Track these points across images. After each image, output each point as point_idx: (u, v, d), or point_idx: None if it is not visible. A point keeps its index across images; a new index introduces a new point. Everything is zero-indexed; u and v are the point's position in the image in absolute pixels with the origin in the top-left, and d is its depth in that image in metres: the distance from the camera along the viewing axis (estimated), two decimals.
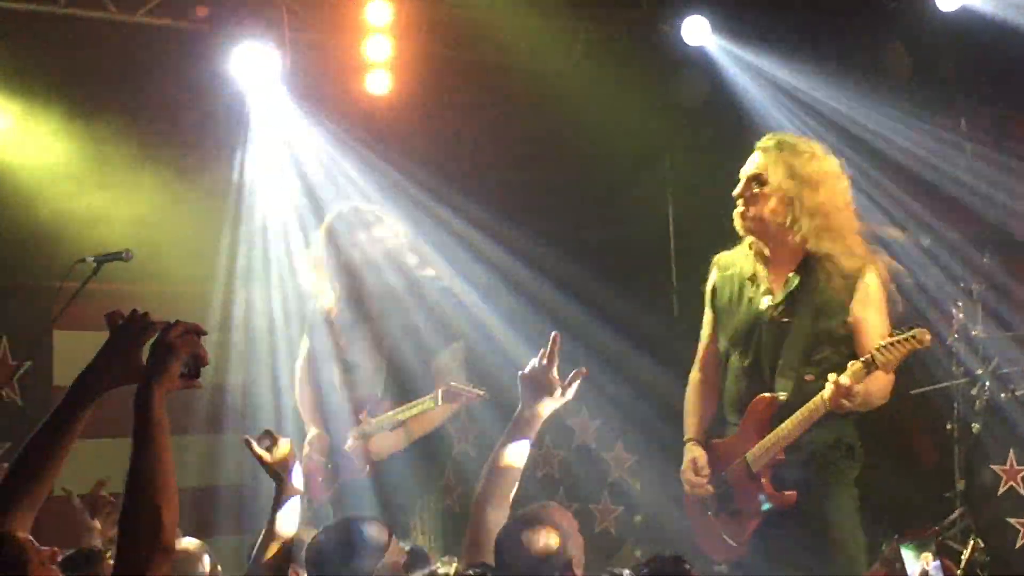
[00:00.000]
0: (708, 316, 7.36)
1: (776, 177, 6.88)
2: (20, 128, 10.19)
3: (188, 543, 6.22)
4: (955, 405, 9.65)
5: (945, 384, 9.73)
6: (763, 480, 6.90)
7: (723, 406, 7.22)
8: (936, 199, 10.20)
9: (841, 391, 6.52)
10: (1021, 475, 9.29)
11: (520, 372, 5.77)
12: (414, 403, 8.15)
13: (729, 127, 10.31)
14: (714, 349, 7.32)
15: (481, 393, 8.17)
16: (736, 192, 7.00)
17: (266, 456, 5.56)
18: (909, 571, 4.67)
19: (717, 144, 9.89)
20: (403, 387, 8.25)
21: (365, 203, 8.82)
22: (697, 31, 10.77)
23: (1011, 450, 9.33)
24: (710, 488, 7.10)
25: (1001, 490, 9.35)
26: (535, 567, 5.36)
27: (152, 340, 4.16)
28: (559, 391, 5.72)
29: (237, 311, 10.62)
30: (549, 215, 11.51)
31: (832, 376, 6.55)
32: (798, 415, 6.78)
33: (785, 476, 6.91)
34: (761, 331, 7.04)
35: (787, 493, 6.87)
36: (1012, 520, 9.25)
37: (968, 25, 9.93)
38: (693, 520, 7.33)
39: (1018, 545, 9.20)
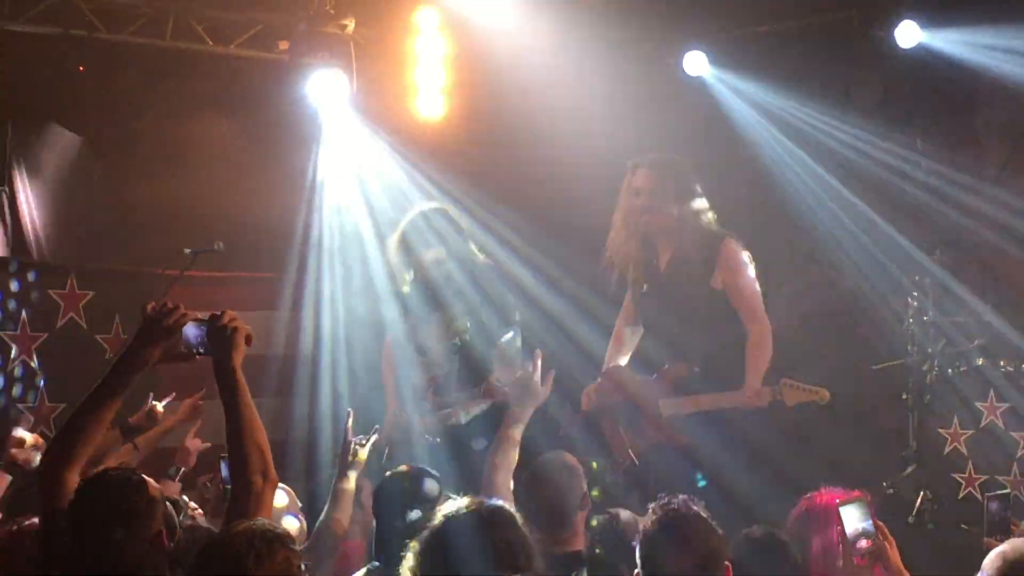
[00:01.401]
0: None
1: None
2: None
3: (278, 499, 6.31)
4: (910, 378, 9.76)
5: (902, 360, 9.87)
6: (663, 424, 7.34)
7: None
8: (896, 206, 10.32)
9: (762, 399, 7.04)
10: (963, 437, 9.56)
11: (510, 380, 6.07)
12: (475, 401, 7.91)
13: (723, 146, 10.54)
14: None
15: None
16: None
17: (357, 454, 5.96)
18: (848, 530, 4.83)
19: (715, 160, 9.81)
20: (470, 368, 7.99)
21: (434, 202, 8.51)
22: (697, 63, 10.90)
23: (955, 416, 9.61)
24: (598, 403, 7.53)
25: (946, 450, 9.66)
26: (560, 495, 5.67)
27: (209, 327, 4.38)
28: (541, 394, 5.90)
29: (307, 294, 10.51)
30: (572, 228, 11.16)
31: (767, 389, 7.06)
32: (719, 399, 7.22)
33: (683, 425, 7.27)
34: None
35: (681, 438, 7.31)
36: (955, 475, 9.56)
37: (925, 60, 10.10)
38: (606, 429, 7.68)
39: (960, 496, 9.49)
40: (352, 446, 6.01)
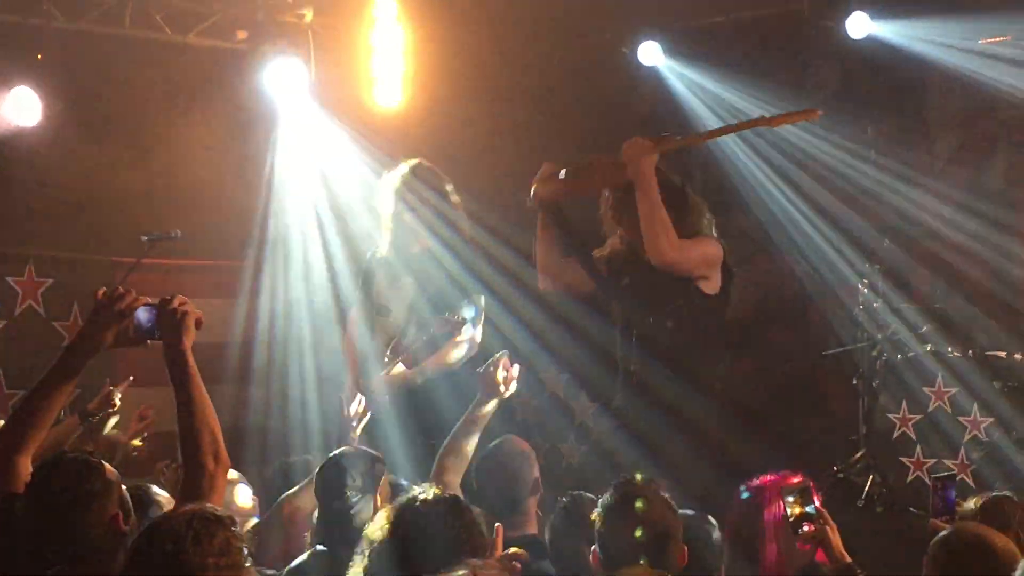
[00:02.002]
0: None
1: None
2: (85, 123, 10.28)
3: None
4: (859, 364, 9.90)
5: (851, 347, 10.03)
6: None
7: None
8: (847, 194, 10.43)
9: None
10: (912, 422, 9.69)
11: (478, 371, 5.96)
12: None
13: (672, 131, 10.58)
14: None
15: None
16: None
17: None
18: (790, 515, 4.87)
19: None
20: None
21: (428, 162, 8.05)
22: (651, 53, 10.96)
23: (904, 401, 9.75)
24: None
25: (895, 434, 9.80)
26: (512, 480, 5.78)
27: (157, 311, 4.37)
28: (505, 391, 5.85)
29: (264, 281, 10.47)
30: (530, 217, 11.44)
31: None
32: None
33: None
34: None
35: None
36: (904, 459, 9.70)
37: (874, 51, 10.26)
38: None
39: (908, 480, 9.62)
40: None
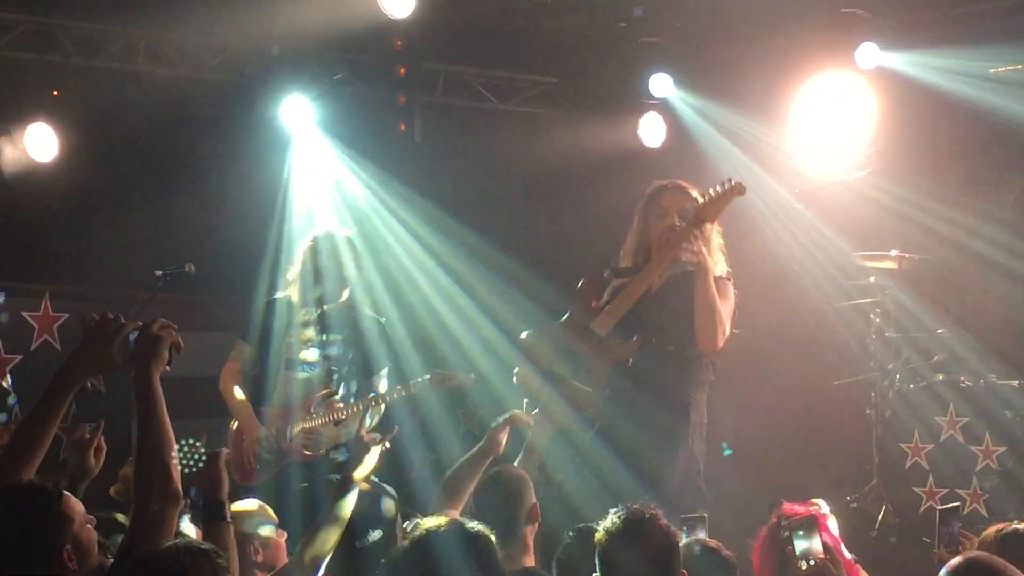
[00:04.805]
0: None
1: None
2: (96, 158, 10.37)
3: (248, 504, 6.44)
4: (872, 394, 9.91)
5: (863, 376, 10.04)
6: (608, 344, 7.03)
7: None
8: (857, 225, 10.47)
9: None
10: (924, 451, 9.62)
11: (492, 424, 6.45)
12: (393, 389, 7.97)
13: (685, 163, 10.48)
14: None
15: (472, 377, 8.23)
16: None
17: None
18: (797, 549, 4.86)
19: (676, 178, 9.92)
20: (366, 383, 8.08)
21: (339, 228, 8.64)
22: (662, 85, 11.10)
23: (916, 431, 9.67)
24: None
25: (908, 464, 9.70)
26: (507, 505, 5.80)
27: (138, 334, 4.34)
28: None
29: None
30: (536, 241, 11.64)
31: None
32: (634, 287, 6.96)
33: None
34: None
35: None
36: (917, 489, 9.61)
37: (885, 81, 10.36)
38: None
39: (921, 510, 9.49)
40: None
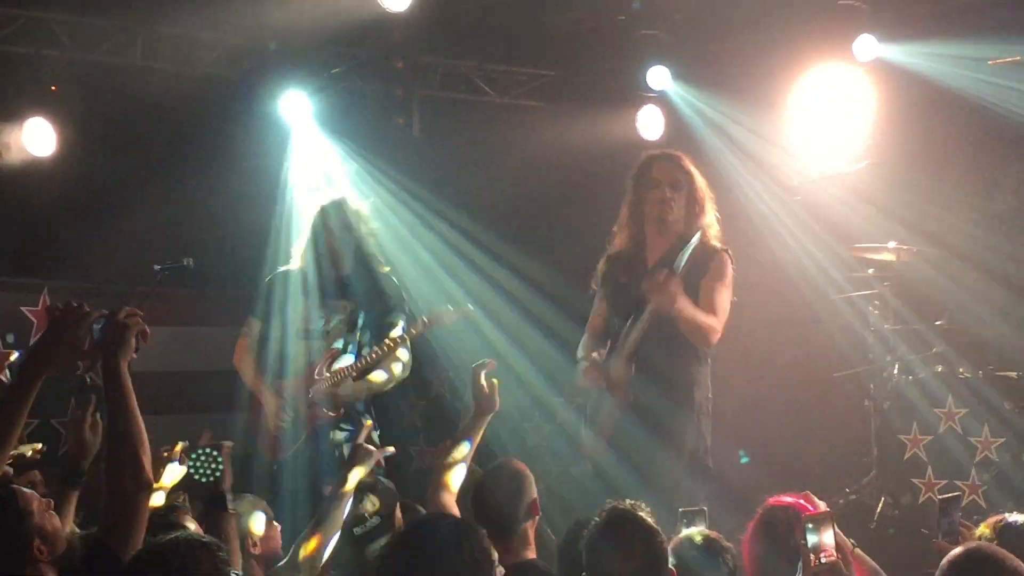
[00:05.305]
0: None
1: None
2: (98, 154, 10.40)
3: (242, 499, 6.35)
4: (870, 386, 9.89)
5: (862, 368, 10.06)
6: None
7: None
8: (857, 215, 10.41)
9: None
10: (922, 443, 9.56)
11: (475, 375, 6.18)
12: (392, 336, 8.09)
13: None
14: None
15: (470, 308, 8.51)
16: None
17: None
18: (809, 543, 4.84)
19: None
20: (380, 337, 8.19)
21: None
22: (660, 78, 11.15)
23: (914, 423, 9.60)
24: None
25: (906, 456, 9.62)
26: (506, 503, 5.71)
27: (104, 323, 4.30)
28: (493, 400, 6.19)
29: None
30: (535, 235, 11.67)
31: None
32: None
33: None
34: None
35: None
36: (915, 480, 9.54)
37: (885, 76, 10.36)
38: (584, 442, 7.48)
39: (920, 501, 9.44)
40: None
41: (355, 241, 8.36)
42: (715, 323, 6.93)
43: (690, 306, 6.86)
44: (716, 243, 7.14)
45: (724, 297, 7.05)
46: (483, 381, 6.23)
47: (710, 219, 7.17)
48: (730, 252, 7.16)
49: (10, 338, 9.93)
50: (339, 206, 8.43)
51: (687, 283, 6.87)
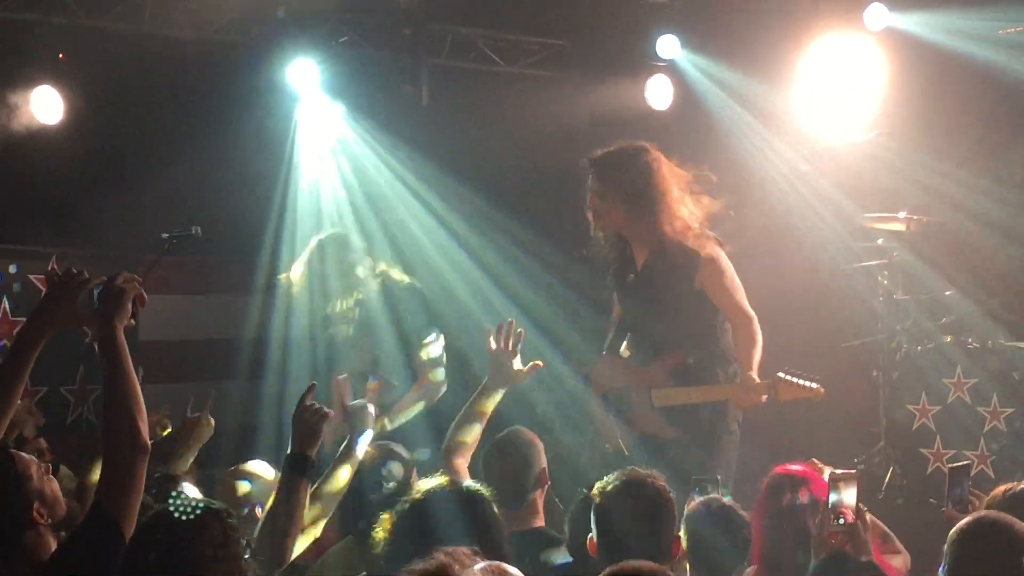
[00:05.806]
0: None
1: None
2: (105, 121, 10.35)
3: (253, 466, 6.39)
4: (879, 356, 9.92)
5: (870, 339, 10.05)
6: (653, 415, 7.11)
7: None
8: (866, 187, 10.45)
9: (758, 392, 6.87)
10: (931, 413, 9.64)
11: (491, 348, 6.01)
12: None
13: (693, 126, 10.66)
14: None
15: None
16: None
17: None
18: (830, 501, 4.82)
19: (684, 141, 9.57)
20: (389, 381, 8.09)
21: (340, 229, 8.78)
22: (669, 47, 11.09)
23: (923, 393, 9.68)
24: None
25: (915, 426, 9.72)
26: (517, 472, 5.79)
27: (102, 288, 4.30)
28: (519, 375, 6.03)
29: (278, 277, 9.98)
30: (543, 206, 11.42)
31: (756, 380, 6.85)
32: (713, 391, 7.03)
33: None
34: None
35: (669, 431, 7.07)
36: (924, 450, 9.64)
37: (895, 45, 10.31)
38: (597, 416, 7.45)
39: (928, 471, 9.54)
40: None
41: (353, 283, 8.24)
42: (746, 326, 7.06)
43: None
44: (690, 243, 7.05)
45: (735, 296, 7.10)
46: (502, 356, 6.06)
47: (667, 213, 7.07)
48: (718, 238, 7.12)
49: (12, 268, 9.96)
50: (337, 240, 8.36)
51: (667, 293, 7.02)
